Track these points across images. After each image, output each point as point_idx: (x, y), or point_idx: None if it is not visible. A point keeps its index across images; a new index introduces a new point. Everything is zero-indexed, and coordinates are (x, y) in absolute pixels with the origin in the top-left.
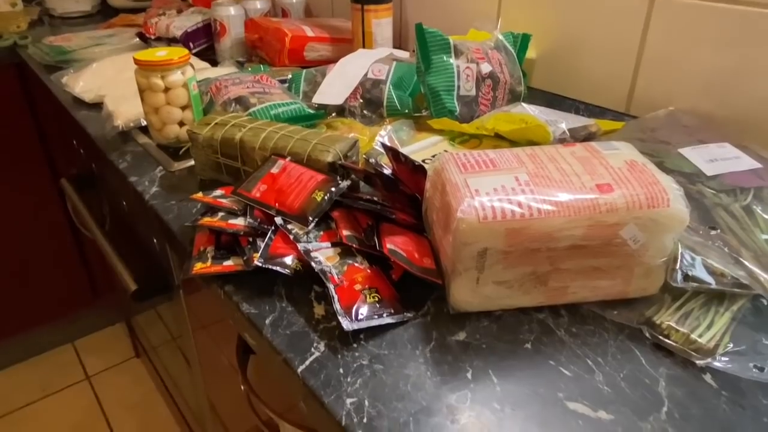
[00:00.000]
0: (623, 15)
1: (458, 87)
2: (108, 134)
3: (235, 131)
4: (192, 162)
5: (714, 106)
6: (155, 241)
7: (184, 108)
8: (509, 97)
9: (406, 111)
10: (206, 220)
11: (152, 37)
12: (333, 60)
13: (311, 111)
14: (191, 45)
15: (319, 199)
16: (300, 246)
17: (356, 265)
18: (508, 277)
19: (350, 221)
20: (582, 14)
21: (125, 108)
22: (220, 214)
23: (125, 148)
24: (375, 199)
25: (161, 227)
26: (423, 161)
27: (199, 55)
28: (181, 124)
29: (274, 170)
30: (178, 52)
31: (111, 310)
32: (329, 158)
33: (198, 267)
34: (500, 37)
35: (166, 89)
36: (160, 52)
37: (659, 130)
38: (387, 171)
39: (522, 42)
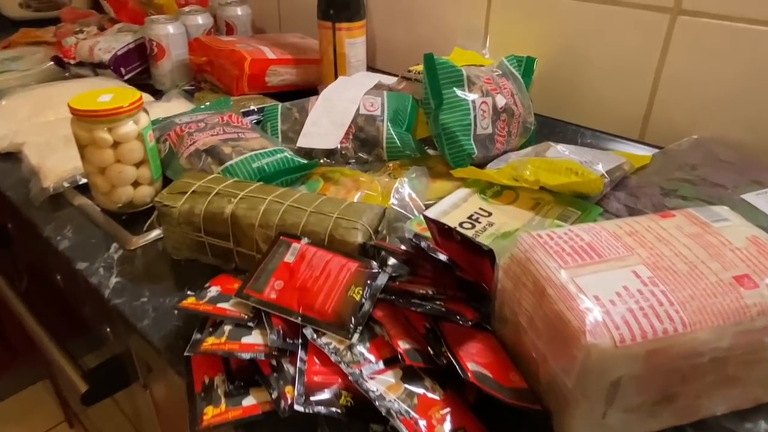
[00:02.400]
0: (639, 32)
1: (475, 125)
2: (35, 198)
3: (223, 203)
4: (157, 233)
5: (743, 133)
6: (108, 330)
7: (138, 165)
8: (521, 130)
9: (409, 152)
10: (211, 342)
11: (71, 62)
12: (298, 85)
13: (302, 161)
14: (122, 70)
15: (357, 297)
16: (346, 369)
17: (428, 394)
18: (635, 403)
19: (399, 322)
20: (587, 31)
21: (54, 162)
22: (227, 327)
23: (60, 216)
24: (429, 292)
25: (133, 335)
26: (461, 225)
27: (133, 81)
28: (136, 184)
29: (290, 258)
30: (128, 95)
31: (31, 367)
32: (359, 238)
33: (210, 414)
34: (505, 61)
35: (116, 144)
36: (104, 97)
37: (701, 168)
38: (442, 257)
39: (527, 66)
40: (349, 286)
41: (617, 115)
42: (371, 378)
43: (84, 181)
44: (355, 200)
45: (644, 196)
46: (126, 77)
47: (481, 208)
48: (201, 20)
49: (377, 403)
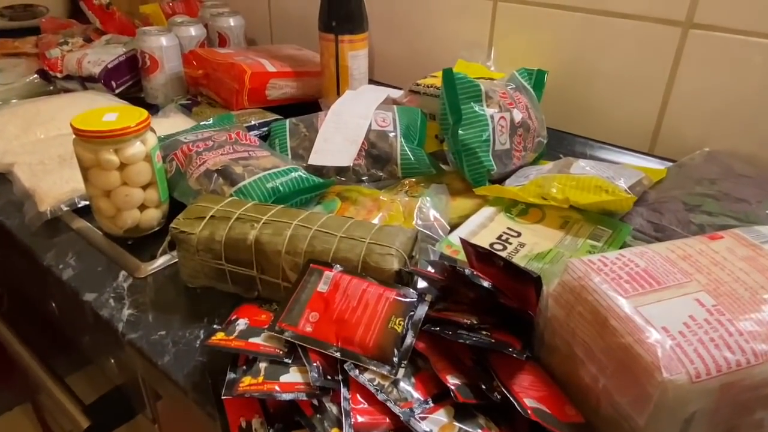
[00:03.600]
0: (650, 46)
1: (494, 141)
2: (31, 223)
3: (245, 229)
4: (167, 259)
5: (756, 146)
6: (113, 361)
7: (145, 187)
8: (536, 145)
9: (423, 169)
10: (249, 382)
11: (58, 75)
12: (298, 98)
13: (318, 180)
14: (113, 84)
15: (399, 329)
16: (395, 408)
17: None
18: None
19: (444, 354)
20: (597, 43)
21: (49, 184)
22: (262, 365)
23: (60, 242)
24: (472, 322)
25: (152, 371)
26: (491, 246)
27: (124, 95)
28: (142, 207)
29: (323, 288)
30: (134, 114)
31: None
32: (395, 265)
33: None
34: (517, 75)
35: (122, 165)
36: (109, 116)
37: (720, 182)
38: (486, 283)
39: (537, 79)
40: (389, 316)
41: (627, 128)
42: (423, 418)
43: (84, 203)
44: (377, 221)
45: (668, 212)
46: (117, 91)
47: (509, 228)
48: (194, 32)
49: None
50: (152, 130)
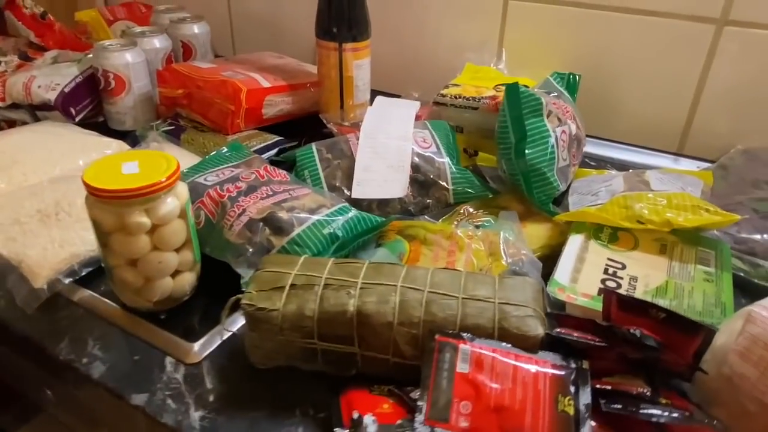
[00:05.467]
0: (681, 44)
1: (557, 158)
2: (26, 305)
3: (341, 298)
4: (214, 335)
5: None
6: None
7: (179, 249)
8: (581, 157)
9: (475, 192)
10: None
11: (0, 104)
12: (294, 114)
13: (377, 219)
14: (72, 111)
15: (571, 411)
16: None
17: None
18: None
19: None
20: (620, 42)
21: (39, 251)
22: None
23: (69, 326)
24: (643, 391)
25: None
26: (604, 284)
27: (83, 121)
28: (174, 272)
29: (464, 368)
30: (158, 161)
31: None
32: (540, 329)
33: None
34: (552, 80)
35: (153, 228)
36: (128, 166)
37: None
38: (652, 342)
39: (571, 83)
40: (555, 396)
41: (654, 129)
42: None
43: (87, 271)
44: (462, 264)
45: (743, 223)
46: (77, 118)
47: (609, 259)
48: (158, 43)
49: None
50: (181, 179)
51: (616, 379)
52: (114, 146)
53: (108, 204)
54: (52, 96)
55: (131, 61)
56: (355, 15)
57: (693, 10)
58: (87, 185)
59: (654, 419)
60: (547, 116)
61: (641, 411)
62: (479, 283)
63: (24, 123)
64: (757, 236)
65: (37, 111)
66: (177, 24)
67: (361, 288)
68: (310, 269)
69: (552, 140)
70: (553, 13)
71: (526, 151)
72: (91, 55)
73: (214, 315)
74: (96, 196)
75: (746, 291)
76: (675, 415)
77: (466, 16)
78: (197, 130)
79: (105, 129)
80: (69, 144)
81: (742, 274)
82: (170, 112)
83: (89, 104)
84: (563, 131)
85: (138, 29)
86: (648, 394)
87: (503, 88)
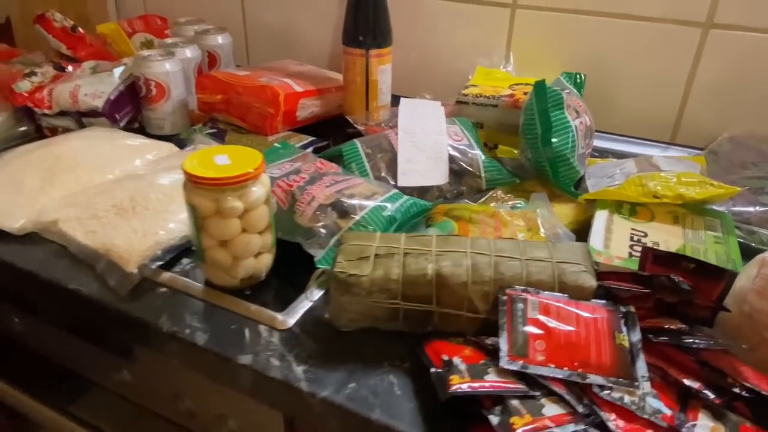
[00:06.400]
0: (671, 46)
1: (578, 146)
2: (119, 288)
3: (421, 263)
4: (302, 305)
5: None
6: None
7: (262, 232)
8: (591, 146)
9: (504, 178)
10: (521, 423)
11: (47, 111)
12: (322, 117)
13: (427, 203)
14: (117, 116)
15: (626, 344)
16: (661, 423)
17: (747, 424)
18: None
19: (669, 361)
20: (617, 45)
21: (125, 239)
22: (515, 404)
23: (164, 304)
24: (681, 327)
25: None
26: (632, 249)
27: (125, 127)
28: (257, 253)
29: (534, 314)
30: (246, 155)
31: None
32: (593, 281)
33: None
34: (562, 79)
35: (243, 212)
36: (220, 158)
37: (763, 164)
38: (686, 286)
39: (578, 83)
40: (612, 333)
41: (649, 122)
42: (689, 426)
43: (169, 257)
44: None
45: (737, 196)
46: (122, 124)
47: (633, 229)
48: (189, 53)
49: None
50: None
51: (653, 320)
52: (164, 148)
53: (206, 190)
54: (99, 103)
55: (170, 69)
56: (379, 24)
57: (681, 15)
58: (188, 174)
59: (695, 345)
60: (567, 109)
61: (684, 340)
62: (536, 248)
63: (66, 129)
64: (751, 208)
65: (83, 118)
66: (202, 35)
67: (436, 254)
68: (388, 242)
69: (573, 130)
70: (556, 20)
71: (552, 140)
72: (129, 65)
73: (287, 291)
74: (196, 183)
75: (746, 254)
76: (711, 341)
77: (476, 24)
78: (237, 133)
79: (143, 134)
80: (122, 147)
81: (741, 240)
82: (205, 117)
83: (130, 111)
84: (581, 122)
85: (170, 40)
86: (687, 329)
87: (518, 87)
